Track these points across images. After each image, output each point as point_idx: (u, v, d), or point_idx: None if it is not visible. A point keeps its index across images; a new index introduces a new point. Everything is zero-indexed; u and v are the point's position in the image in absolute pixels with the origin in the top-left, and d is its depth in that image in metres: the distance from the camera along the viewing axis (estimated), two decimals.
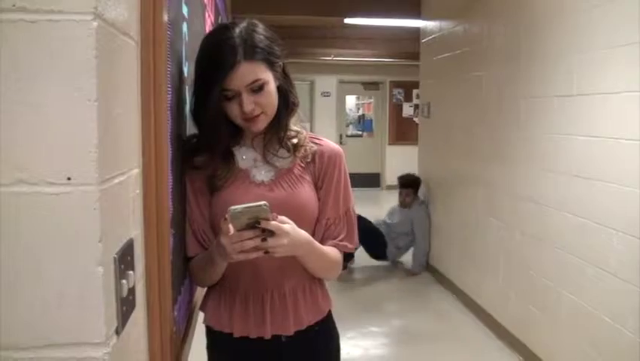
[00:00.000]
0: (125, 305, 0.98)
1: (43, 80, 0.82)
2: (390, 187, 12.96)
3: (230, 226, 1.39)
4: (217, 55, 1.50)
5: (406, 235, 6.60)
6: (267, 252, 1.42)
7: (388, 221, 6.73)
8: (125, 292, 0.96)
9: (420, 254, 6.48)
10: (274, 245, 1.42)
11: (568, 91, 3.56)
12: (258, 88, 1.52)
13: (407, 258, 6.74)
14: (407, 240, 6.62)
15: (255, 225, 1.39)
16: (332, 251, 1.68)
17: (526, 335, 4.18)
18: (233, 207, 1.36)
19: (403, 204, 6.68)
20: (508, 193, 4.49)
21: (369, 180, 13.04)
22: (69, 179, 0.84)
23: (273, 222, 1.41)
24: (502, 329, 4.55)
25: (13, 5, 0.81)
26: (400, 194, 6.71)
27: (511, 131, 4.39)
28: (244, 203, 1.37)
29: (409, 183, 6.64)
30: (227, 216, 1.37)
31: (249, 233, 1.39)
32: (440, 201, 6.20)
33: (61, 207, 0.84)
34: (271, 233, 1.41)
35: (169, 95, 1.34)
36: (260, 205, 1.37)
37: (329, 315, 1.77)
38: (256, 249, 1.41)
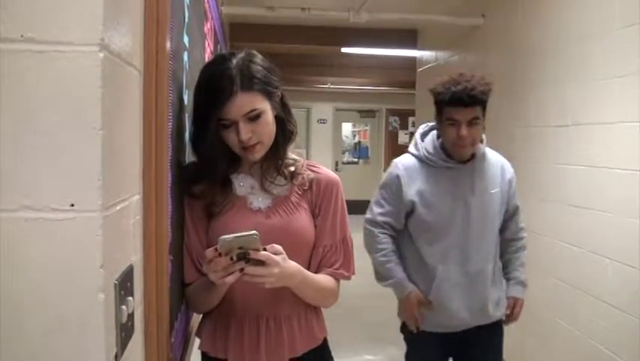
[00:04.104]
0: (124, 331, 0.98)
1: (49, 108, 0.84)
2: None
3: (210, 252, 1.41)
4: (214, 85, 1.53)
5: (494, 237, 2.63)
6: (242, 270, 1.42)
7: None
8: (124, 318, 0.97)
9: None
10: (264, 274, 1.43)
11: (563, 121, 3.60)
12: (254, 117, 1.54)
13: None
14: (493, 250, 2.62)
15: (245, 254, 1.40)
16: (326, 280, 1.68)
17: None
18: (223, 237, 1.37)
19: (462, 154, 2.53)
20: None
21: (365, 207, 12.90)
22: (72, 205, 0.85)
23: (263, 253, 1.42)
24: None
25: (21, 36, 0.83)
26: (457, 127, 2.45)
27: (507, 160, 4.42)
28: (239, 230, 1.39)
29: (478, 94, 2.47)
30: (217, 245, 1.39)
31: (226, 260, 1.40)
32: None
33: (64, 233, 0.85)
34: (260, 262, 1.42)
35: (170, 123, 1.36)
36: (250, 235, 1.38)
37: (324, 343, 1.77)
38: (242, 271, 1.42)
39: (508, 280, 2.69)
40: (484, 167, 2.63)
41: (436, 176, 2.55)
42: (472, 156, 2.57)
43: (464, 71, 2.56)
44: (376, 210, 2.70)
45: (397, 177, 2.59)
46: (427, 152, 2.58)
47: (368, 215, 2.74)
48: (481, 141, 2.62)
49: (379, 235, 2.66)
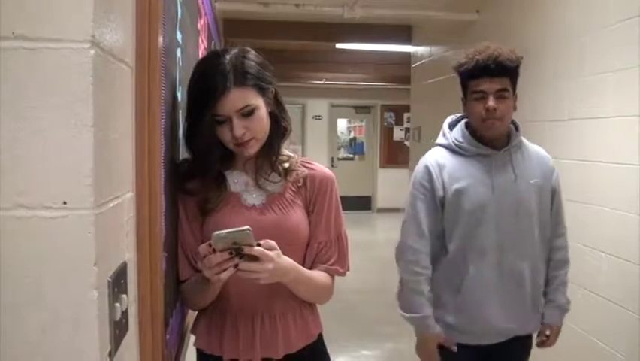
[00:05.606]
0: (118, 329, 0.98)
1: (41, 106, 0.84)
2: (381, 210, 13.02)
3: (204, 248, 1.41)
4: (208, 81, 1.52)
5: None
6: (236, 265, 1.41)
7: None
8: (118, 316, 0.97)
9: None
10: (258, 270, 1.43)
11: (559, 115, 3.61)
12: (248, 113, 1.54)
13: None
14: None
15: (239, 250, 1.40)
16: (321, 276, 1.68)
17: None
18: (216, 232, 1.37)
19: (491, 132, 2.28)
20: None
21: (361, 203, 13.07)
22: (65, 203, 0.85)
23: (257, 248, 1.41)
24: None
25: (12, 33, 0.83)
26: (484, 100, 2.24)
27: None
28: (233, 227, 1.39)
29: (505, 62, 2.27)
30: (211, 241, 1.38)
31: (220, 256, 1.40)
32: None
33: (57, 231, 0.85)
34: (254, 258, 1.42)
35: (162, 120, 1.35)
36: (243, 230, 1.38)
37: (319, 339, 1.77)
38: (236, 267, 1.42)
39: (546, 301, 2.36)
40: (522, 155, 2.33)
41: (469, 165, 2.27)
42: (507, 143, 2.30)
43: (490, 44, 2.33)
44: (413, 229, 2.29)
45: (426, 167, 2.30)
46: (457, 140, 2.32)
47: (406, 238, 2.31)
48: (516, 128, 2.37)
49: (422, 254, 2.29)
